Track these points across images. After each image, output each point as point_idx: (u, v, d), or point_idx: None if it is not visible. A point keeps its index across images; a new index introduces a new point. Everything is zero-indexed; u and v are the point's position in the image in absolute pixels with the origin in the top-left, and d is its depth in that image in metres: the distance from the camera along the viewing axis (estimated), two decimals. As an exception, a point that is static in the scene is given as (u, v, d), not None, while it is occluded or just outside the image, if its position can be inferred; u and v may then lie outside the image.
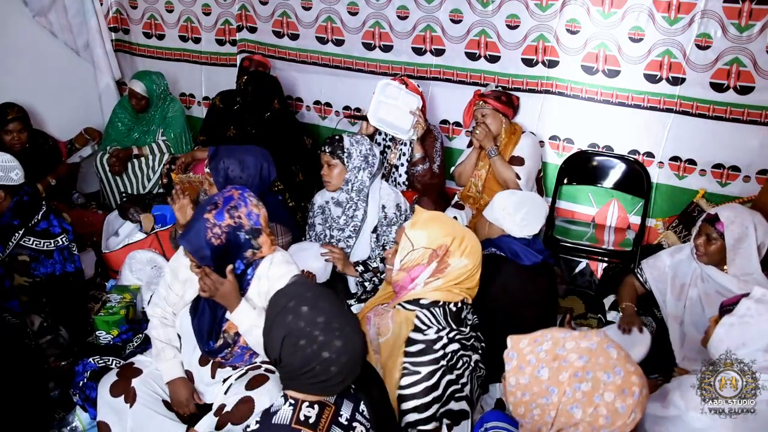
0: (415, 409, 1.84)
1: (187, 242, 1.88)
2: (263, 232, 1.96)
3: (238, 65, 4.02)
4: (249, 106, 3.53)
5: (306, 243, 2.81)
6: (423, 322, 1.92)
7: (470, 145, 3.36)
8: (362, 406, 1.47)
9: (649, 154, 3.23)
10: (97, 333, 2.65)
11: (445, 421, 1.86)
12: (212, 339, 1.99)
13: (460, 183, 3.35)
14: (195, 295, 2.03)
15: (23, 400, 2.05)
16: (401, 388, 1.86)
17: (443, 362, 1.87)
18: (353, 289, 2.68)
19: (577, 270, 3.32)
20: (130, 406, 1.98)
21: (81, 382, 2.21)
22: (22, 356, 2.16)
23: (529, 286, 2.39)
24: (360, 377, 1.48)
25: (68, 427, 2.30)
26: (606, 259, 3.21)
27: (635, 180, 3.25)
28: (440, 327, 1.92)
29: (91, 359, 2.28)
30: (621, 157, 3.28)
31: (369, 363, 1.77)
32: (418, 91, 3.25)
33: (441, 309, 1.94)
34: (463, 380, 1.89)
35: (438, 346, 1.89)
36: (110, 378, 2.04)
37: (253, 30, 4.08)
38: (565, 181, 3.39)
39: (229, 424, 1.80)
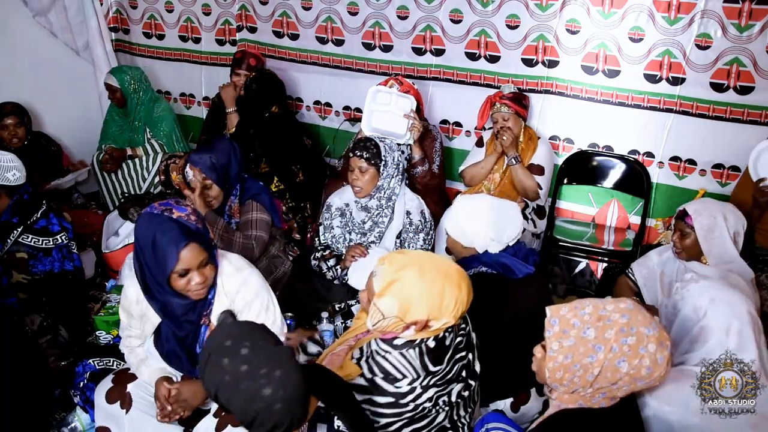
0: None
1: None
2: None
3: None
4: (249, 105, 3.52)
5: (361, 261, 2.61)
6: (397, 369, 1.68)
7: (479, 144, 3.35)
8: (336, 422, 1.46)
9: (649, 154, 3.22)
10: (96, 333, 2.66)
11: None
12: (193, 365, 1.96)
13: (471, 184, 3.33)
14: (154, 327, 1.98)
15: (23, 400, 2.04)
16: None
17: (408, 415, 1.69)
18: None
19: (577, 270, 3.32)
20: (126, 412, 1.97)
21: (81, 383, 2.22)
22: (22, 355, 2.15)
23: (526, 299, 2.20)
24: (332, 398, 1.47)
25: (68, 427, 2.30)
26: (606, 259, 3.21)
27: (635, 180, 3.25)
28: (414, 376, 1.67)
29: (91, 360, 2.28)
30: (621, 157, 3.28)
31: (339, 378, 1.67)
32: (413, 90, 3.23)
33: (417, 349, 1.68)
34: (438, 420, 1.73)
35: (407, 399, 1.68)
36: (106, 385, 2.04)
37: (253, 30, 4.08)
38: (565, 181, 3.39)
39: (229, 426, 1.80)
